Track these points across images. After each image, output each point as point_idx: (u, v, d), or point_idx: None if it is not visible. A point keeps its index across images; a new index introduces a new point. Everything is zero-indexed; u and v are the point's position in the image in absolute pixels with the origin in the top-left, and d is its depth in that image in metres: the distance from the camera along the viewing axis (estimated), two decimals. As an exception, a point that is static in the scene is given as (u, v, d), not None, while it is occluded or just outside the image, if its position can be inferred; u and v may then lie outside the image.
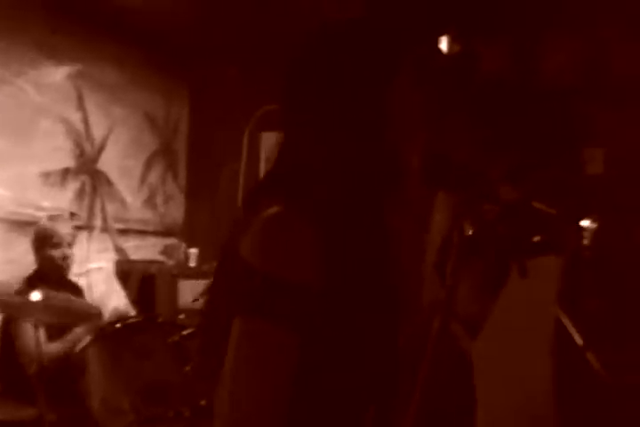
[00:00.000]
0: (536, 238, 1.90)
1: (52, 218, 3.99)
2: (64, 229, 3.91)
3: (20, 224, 4.50)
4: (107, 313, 3.99)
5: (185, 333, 3.07)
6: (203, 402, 2.93)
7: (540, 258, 1.96)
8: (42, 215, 4.27)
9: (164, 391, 2.89)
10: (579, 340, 2.20)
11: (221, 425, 1.23)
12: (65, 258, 3.87)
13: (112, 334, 2.96)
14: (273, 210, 1.28)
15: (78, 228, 4.64)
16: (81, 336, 3.59)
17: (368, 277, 1.32)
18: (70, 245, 3.91)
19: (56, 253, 3.85)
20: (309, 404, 1.27)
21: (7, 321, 3.70)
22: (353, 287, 1.29)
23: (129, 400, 2.82)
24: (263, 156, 5.72)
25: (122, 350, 2.92)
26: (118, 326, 2.99)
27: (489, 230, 1.27)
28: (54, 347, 3.49)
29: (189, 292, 4.68)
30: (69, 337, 3.63)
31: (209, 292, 1.41)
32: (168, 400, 2.88)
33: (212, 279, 1.36)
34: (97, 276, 5.04)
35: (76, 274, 4.28)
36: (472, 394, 2.12)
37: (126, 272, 5.04)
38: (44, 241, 3.87)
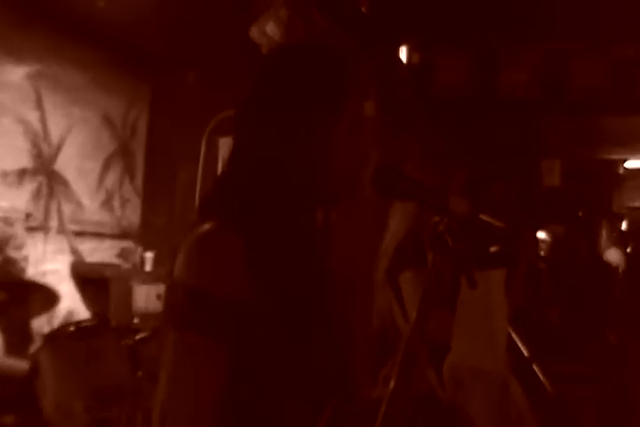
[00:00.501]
0: (485, 251, 1.95)
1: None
2: (10, 231, 3.89)
3: None
4: (60, 316, 3.98)
5: (138, 337, 3.09)
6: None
7: (489, 270, 2.01)
8: (-2, 215, 4.25)
9: (117, 395, 2.89)
10: (525, 351, 2.25)
11: None
12: (13, 263, 3.82)
13: (65, 337, 2.96)
14: (205, 227, 1.33)
15: (33, 229, 4.64)
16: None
17: (299, 287, 1.37)
18: (19, 248, 3.87)
19: (3, 258, 3.81)
20: (245, 414, 1.32)
21: None
22: (284, 298, 1.34)
23: (82, 403, 2.83)
24: (220, 160, 5.70)
25: (75, 353, 2.93)
26: (72, 329, 2.98)
27: (439, 243, 1.31)
28: (9, 363, 3.40)
29: (144, 296, 4.68)
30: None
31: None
32: (120, 404, 2.88)
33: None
34: (52, 277, 5.01)
35: (31, 275, 4.25)
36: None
37: (81, 275, 5.02)
38: None
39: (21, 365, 3.35)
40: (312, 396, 1.35)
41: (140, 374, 2.96)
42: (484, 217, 1.37)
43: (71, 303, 4.81)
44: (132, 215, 5.95)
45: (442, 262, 1.34)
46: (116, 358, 2.96)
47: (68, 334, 2.97)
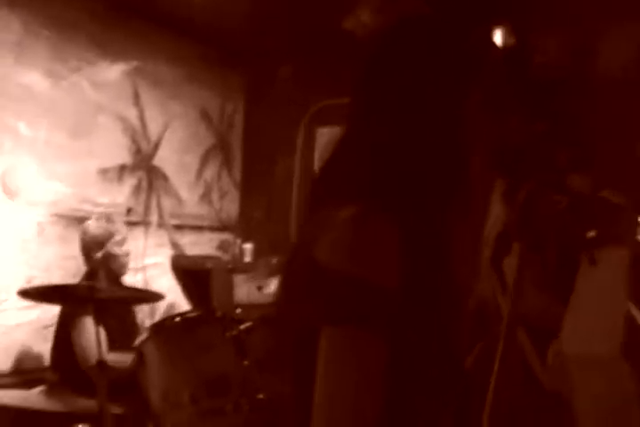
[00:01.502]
0: (602, 229, 1.84)
1: (100, 217, 4.00)
2: (107, 228, 3.91)
3: (78, 220, 4.51)
4: (162, 309, 4.00)
5: (243, 327, 3.06)
6: (260, 396, 2.92)
7: (608, 248, 1.90)
8: (99, 211, 4.30)
9: (224, 385, 2.87)
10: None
11: None
12: (114, 260, 3.89)
13: (171, 328, 2.95)
14: (351, 209, 1.24)
15: (134, 223, 4.69)
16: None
17: (437, 277, 1.29)
18: (120, 244, 3.92)
19: (105, 254, 3.87)
20: (395, 406, 1.23)
21: (66, 314, 3.74)
22: (425, 288, 1.25)
23: (189, 393, 2.82)
24: (317, 151, 5.68)
25: (181, 344, 2.91)
26: (177, 319, 2.98)
27: (558, 221, 1.23)
28: (114, 357, 3.49)
29: (245, 287, 4.68)
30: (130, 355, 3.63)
31: (280, 294, 1.38)
32: (227, 393, 2.86)
33: (281, 281, 1.36)
34: (153, 271, 5.07)
35: (132, 269, 4.33)
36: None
37: (182, 267, 5.04)
38: (91, 244, 3.88)
39: (126, 357, 3.44)
40: (440, 384, 1.29)
41: (246, 363, 2.93)
42: (604, 194, 1.29)
43: (172, 296, 4.84)
44: (231, 208, 5.96)
45: (530, 247, 1.26)
46: (223, 348, 2.94)
47: (173, 326, 2.96)
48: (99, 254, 3.87)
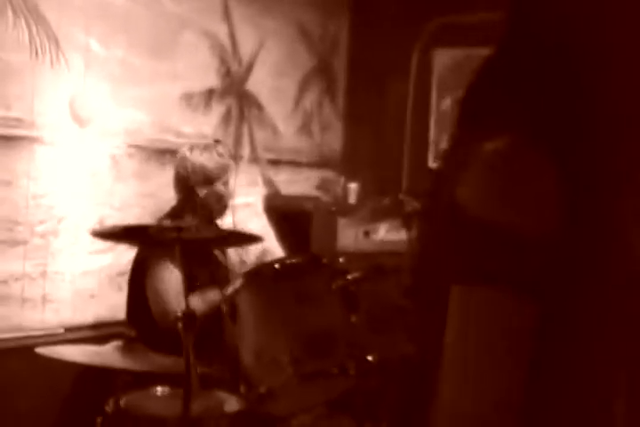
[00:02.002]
0: None
1: (204, 148, 3.89)
2: (219, 162, 3.84)
3: (159, 153, 4.51)
4: (253, 255, 3.95)
5: (350, 277, 2.95)
6: (370, 358, 2.81)
7: None
8: (182, 142, 4.23)
9: (329, 344, 2.76)
10: None
11: (452, 403, 1.12)
12: (219, 199, 3.84)
13: (269, 276, 2.84)
14: (500, 141, 1.11)
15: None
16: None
17: (605, 235, 1.15)
18: (226, 182, 3.85)
19: (207, 192, 3.81)
20: (548, 384, 1.14)
21: (144, 258, 3.68)
22: (591, 245, 1.12)
23: (289, 354, 2.71)
24: (435, 76, 5.61)
25: (281, 295, 2.80)
26: (277, 266, 2.88)
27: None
28: (194, 303, 3.44)
29: (349, 232, 4.60)
30: (212, 294, 3.60)
31: (416, 243, 1.27)
32: (332, 354, 2.76)
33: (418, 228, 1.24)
34: (244, 213, 5.03)
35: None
36: None
37: (277, 209, 5.05)
38: (199, 178, 3.81)
39: (210, 297, 3.52)
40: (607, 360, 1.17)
41: (354, 319, 2.83)
42: None
43: (266, 241, 4.78)
44: (333, 141, 5.94)
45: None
46: (328, 301, 2.83)
47: (271, 273, 2.85)
48: (203, 191, 3.79)
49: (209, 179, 3.79)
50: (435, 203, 1.23)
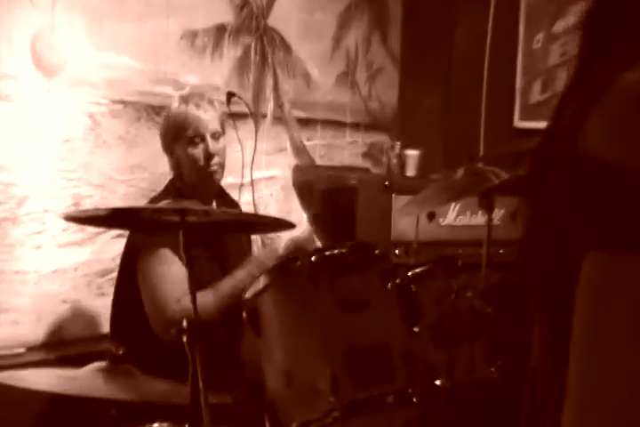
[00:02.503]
0: None
1: (187, 98, 3.95)
2: (208, 113, 3.90)
3: (152, 110, 4.57)
4: (282, 245, 3.97)
5: (411, 274, 2.98)
6: (439, 382, 2.85)
7: None
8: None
9: (383, 363, 2.77)
10: None
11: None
12: (209, 158, 3.87)
13: (302, 273, 2.85)
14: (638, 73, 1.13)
15: (238, 116, 4.62)
16: (249, 279, 3.58)
17: None
18: (217, 137, 3.91)
19: (197, 151, 3.87)
20: None
21: (138, 249, 3.72)
22: None
23: (328, 375, 2.71)
24: (524, 4, 5.59)
25: (318, 298, 2.80)
26: (313, 259, 2.89)
27: None
28: (206, 299, 3.50)
29: (408, 213, 4.60)
30: (231, 281, 3.64)
31: (529, 208, 1.39)
32: (388, 377, 2.76)
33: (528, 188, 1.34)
34: (267, 189, 5.10)
35: (233, 186, 4.34)
36: None
37: (311, 185, 5.08)
38: (177, 135, 3.88)
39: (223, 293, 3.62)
40: None
41: (416, 330, 2.85)
42: None
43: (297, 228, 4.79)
44: (386, 93, 5.96)
45: None
46: (381, 305, 2.84)
47: (305, 269, 2.85)
48: (173, 158, 3.92)
49: (197, 137, 3.86)
50: (548, 156, 1.25)
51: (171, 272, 3.57)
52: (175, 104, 3.91)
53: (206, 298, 3.51)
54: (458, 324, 2.98)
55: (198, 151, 3.85)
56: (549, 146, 1.26)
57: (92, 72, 4.36)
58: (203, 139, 3.85)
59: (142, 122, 4.54)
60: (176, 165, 3.94)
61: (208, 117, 3.88)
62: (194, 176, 3.89)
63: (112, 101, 4.44)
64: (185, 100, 3.92)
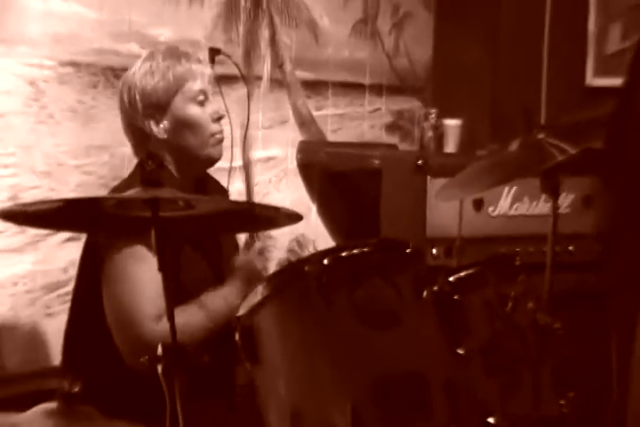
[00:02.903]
0: None
1: (173, 52, 3.92)
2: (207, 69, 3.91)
3: (112, 74, 4.61)
4: (285, 245, 3.97)
5: (453, 279, 3.02)
6: (492, 420, 2.89)
7: None
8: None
9: (418, 396, 2.80)
10: None
11: None
12: (219, 119, 3.89)
13: (312, 281, 2.84)
14: None
15: (225, 79, 4.61)
16: (242, 291, 3.58)
17: None
18: (200, 103, 3.89)
19: (203, 111, 3.87)
20: None
21: (95, 250, 3.69)
22: None
23: (348, 411, 2.72)
24: None
25: (333, 312, 2.81)
26: (326, 262, 2.86)
27: None
28: (193, 315, 3.53)
29: (447, 203, 4.67)
30: (223, 292, 3.67)
31: (608, 191, 1.33)
32: (425, 414, 2.79)
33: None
34: (264, 174, 5.17)
35: (220, 171, 4.27)
36: None
37: (321, 166, 5.09)
38: (172, 93, 3.84)
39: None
40: None
41: (461, 352, 2.89)
42: None
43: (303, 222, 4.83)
44: (417, 47, 6.08)
45: None
46: (416, 320, 2.87)
47: (316, 275, 2.84)
48: (160, 126, 3.82)
49: (160, 101, 3.83)
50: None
51: (148, 279, 3.46)
52: (158, 58, 3.87)
53: (193, 316, 3.54)
54: (515, 344, 3.02)
55: (204, 111, 3.86)
56: (630, 110, 1.26)
57: (32, 25, 4.36)
58: (207, 97, 3.87)
59: (100, 89, 4.57)
60: (143, 150, 3.88)
61: (209, 73, 3.92)
62: (196, 147, 3.87)
63: (59, 63, 4.47)
64: (171, 53, 3.90)
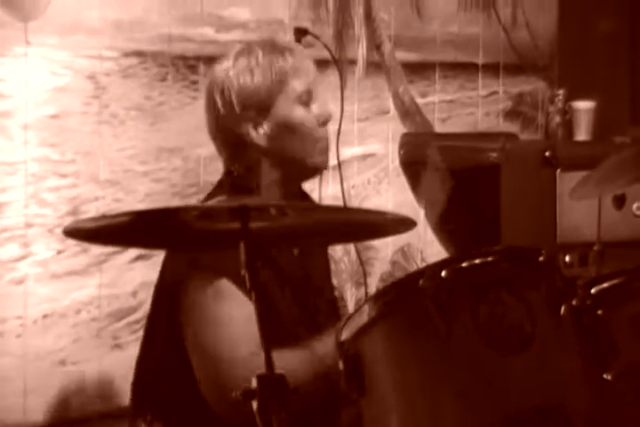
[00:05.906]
0: None
1: (272, 44, 3.98)
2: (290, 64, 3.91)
3: (185, 65, 4.67)
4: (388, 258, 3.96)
5: (595, 291, 2.95)
6: None
7: None
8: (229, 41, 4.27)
9: None
10: None
11: None
12: (325, 123, 3.93)
13: (426, 298, 2.83)
14: None
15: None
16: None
17: None
18: (306, 102, 3.92)
19: (309, 114, 3.91)
20: None
21: (176, 281, 3.72)
22: None
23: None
24: None
25: (452, 335, 2.80)
26: (444, 275, 2.86)
27: None
28: (294, 359, 3.53)
29: (582, 202, 4.56)
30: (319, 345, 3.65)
31: None
32: None
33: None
34: (361, 174, 5.20)
35: None
36: None
37: (426, 162, 5.13)
38: (276, 92, 3.88)
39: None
40: None
41: (608, 377, 2.83)
42: None
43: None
44: (539, 18, 6.18)
45: None
46: (553, 342, 2.87)
47: (432, 293, 2.84)
48: (260, 131, 3.85)
49: (261, 102, 3.88)
50: None
51: (236, 317, 3.57)
52: (258, 53, 3.93)
53: (297, 359, 3.57)
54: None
55: (309, 113, 3.91)
56: None
57: (89, 11, 4.40)
58: (311, 97, 3.92)
59: (169, 82, 4.62)
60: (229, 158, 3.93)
61: (314, 69, 3.97)
62: (301, 155, 3.91)
63: (122, 54, 4.51)
64: (272, 48, 3.97)
